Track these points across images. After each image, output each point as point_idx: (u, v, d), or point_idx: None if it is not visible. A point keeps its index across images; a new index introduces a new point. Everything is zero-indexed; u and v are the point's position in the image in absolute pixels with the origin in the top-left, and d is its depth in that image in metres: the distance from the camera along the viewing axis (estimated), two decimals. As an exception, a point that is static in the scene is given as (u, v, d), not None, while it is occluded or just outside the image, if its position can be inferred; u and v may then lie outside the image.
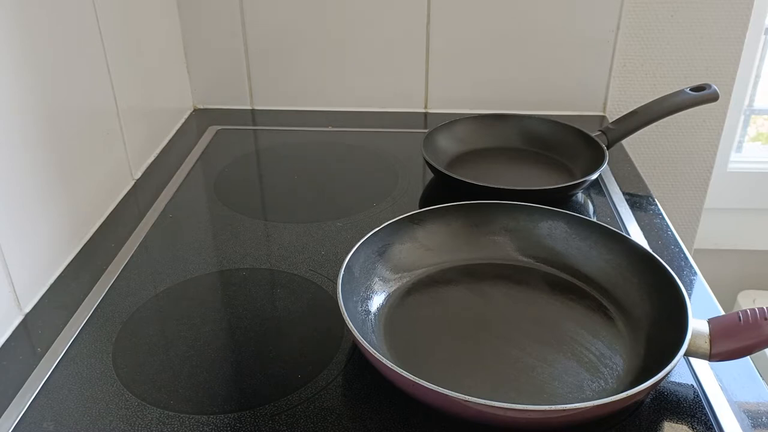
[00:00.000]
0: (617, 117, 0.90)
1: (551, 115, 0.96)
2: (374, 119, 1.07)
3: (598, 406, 0.46)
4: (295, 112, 1.09)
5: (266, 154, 0.97)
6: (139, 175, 0.89)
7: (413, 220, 0.67)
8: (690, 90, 0.86)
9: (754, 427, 0.51)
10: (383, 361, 0.48)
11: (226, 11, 1.02)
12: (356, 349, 0.57)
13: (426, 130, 0.90)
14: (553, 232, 0.68)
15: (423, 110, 1.09)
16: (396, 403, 0.52)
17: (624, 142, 0.92)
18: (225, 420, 0.51)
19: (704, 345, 0.52)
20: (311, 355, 0.58)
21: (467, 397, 0.45)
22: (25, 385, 0.55)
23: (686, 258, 0.71)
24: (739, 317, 0.51)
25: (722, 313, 0.60)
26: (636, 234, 0.75)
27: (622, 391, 0.47)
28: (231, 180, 0.89)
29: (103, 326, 0.61)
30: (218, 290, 0.67)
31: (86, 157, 0.75)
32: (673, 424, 0.51)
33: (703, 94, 0.85)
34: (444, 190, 0.83)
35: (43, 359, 0.58)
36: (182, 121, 1.06)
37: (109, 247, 0.73)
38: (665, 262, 0.59)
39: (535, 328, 0.60)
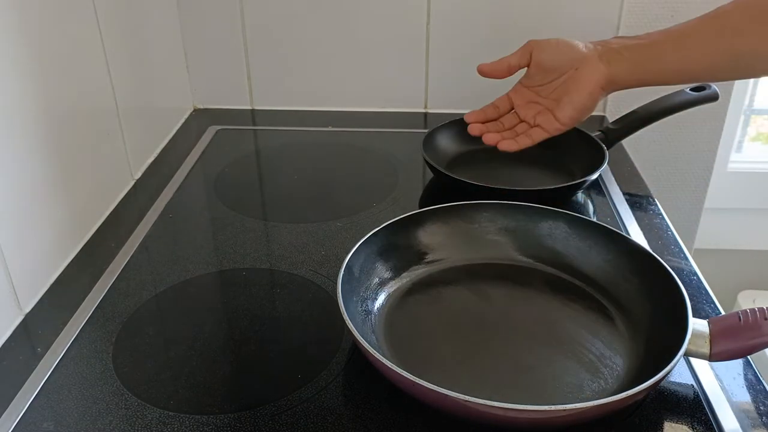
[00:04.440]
0: (617, 117, 0.90)
1: (551, 115, 0.96)
2: (374, 119, 1.06)
3: (598, 406, 0.46)
4: (295, 112, 1.09)
5: (266, 154, 0.97)
6: (139, 175, 0.89)
7: (413, 220, 0.67)
8: (690, 90, 0.86)
9: (754, 427, 0.51)
10: (383, 361, 0.48)
11: (226, 11, 1.02)
12: (356, 349, 0.57)
13: (426, 130, 0.90)
14: (553, 232, 0.68)
15: (423, 110, 1.09)
16: (396, 403, 0.52)
17: (624, 142, 0.92)
18: (225, 420, 0.51)
19: (704, 345, 0.51)
20: (311, 355, 0.58)
21: (467, 397, 0.45)
22: (25, 385, 0.55)
23: (686, 258, 0.71)
24: (739, 317, 0.51)
25: (722, 313, 0.60)
26: (636, 234, 0.75)
27: (622, 391, 0.47)
28: (231, 180, 0.89)
29: (103, 326, 0.61)
30: (218, 290, 0.67)
31: (86, 157, 0.75)
32: (673, 424, 0.51)
33: (703, 94, 0.85)
34: (444, 190, 0.83)
35: (43, 359, 0.57)
36: (182, 121, 1.06)
37: (109, 247, 0.73)
38: (665, 262, 0.59)
39: (535, 328, 0.60)
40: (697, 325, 0.52)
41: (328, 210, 0.80)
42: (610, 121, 0.91)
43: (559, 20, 1.00)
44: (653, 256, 0.60)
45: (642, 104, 0.88)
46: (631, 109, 0.88)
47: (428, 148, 0.85)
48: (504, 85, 1.05)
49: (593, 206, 0.81)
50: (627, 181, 0.87)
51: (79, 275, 0.69)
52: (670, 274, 0.57)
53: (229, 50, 1.05)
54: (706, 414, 0.52)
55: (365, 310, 0.59)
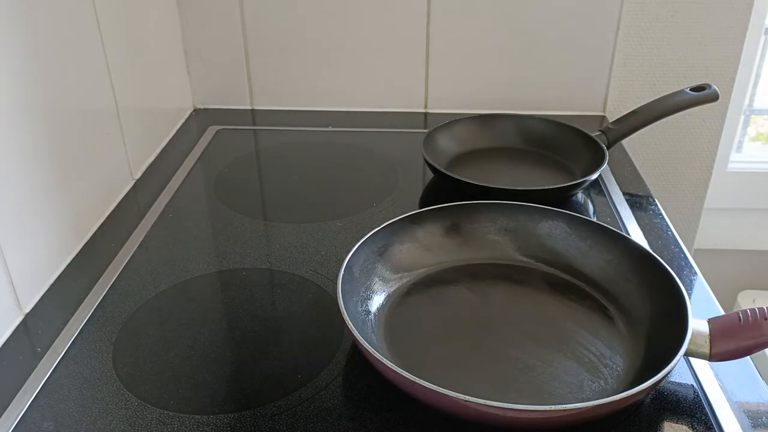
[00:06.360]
0: (617, 117, 0.90)
1: (551, 115, 0.96)
2: (374, 119, 1.06)
3: (598, 406, 0.46)
4: (295, 112, 1.09)
5: (266, 154, 0.97)
6: (139, 175, 0.89)
7: (413, 220, 0.67)
8: (690, 90, 0.86)
9: (754, 427, 0.51)
10: (383, 361, 0.48)
11: (226, 11, 1.02)
12: (356, 349, 0.57)
13: (426, 130, 0.90)
14: (553, 232, 0.68)
15: (423, 110, 1.09)
16: (396, 403, 0.52)
17: (624, 142, 0.92)
18: (225, 420, 0.51)
19: (704, 345, 0.52)
20: (311, 355, 0.58)
21: (467, 397, 0.45)
22: (25, 385, 0.55)
23: (686, 258, 0.71)
24: (739, 317, 0.51)
25: (722, 313, 0.60)
26: (636, 234, 0.75)
27: (622, 391, 0.47)
28: (231, 180, 0.89)
29: (103, 326, 0.61)
30: (218, 290, 0.67)
31: (86, 157, 0.75)
32: (673, 424, 0.51)
33: (703, 94, 0.85)
34: (444, 190, 0.83)
35: (43, 359, 0.58)
36: (182, 121, 1.06)
37: (109, 247, 0.73)
38: (665, 262, 0.59)
39: (535, 328, 0.60)
40: (697, 325, 0.52)
41: (328, 210, 0.80)
42: (610, 121, 0.91)
43: (559, 19, 1.00)
44: (653, 256, 0.60)
45: (642, 104, 0.88)
46: (631, 109, 0.88)
47: (428, 148, 0.85)
48: (504, 86, 1.05)
49: (593, 206, 0.81)
50: (627, 181, 0.87)
51: (79, 275, 0.69)
52: (670, 274, 0.57)
53: (229, 50, 1.05)
54: (706, 414, 0.52)
55: (365, 310, 0.59)
